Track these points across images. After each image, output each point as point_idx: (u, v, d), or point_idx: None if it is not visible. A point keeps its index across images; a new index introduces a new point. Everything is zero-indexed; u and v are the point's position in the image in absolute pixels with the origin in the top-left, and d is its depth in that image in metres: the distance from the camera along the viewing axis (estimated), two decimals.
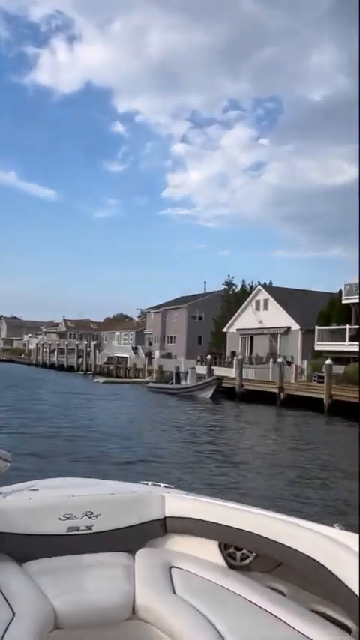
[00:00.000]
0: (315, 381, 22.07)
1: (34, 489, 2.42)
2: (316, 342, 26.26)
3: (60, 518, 2.25)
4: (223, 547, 2.27)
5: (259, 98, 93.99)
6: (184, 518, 2.35)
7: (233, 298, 41.06)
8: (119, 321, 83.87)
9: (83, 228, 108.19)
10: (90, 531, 2.28)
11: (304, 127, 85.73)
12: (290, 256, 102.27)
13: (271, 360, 27.57)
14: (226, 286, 41.37)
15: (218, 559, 2.25)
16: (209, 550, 2.27)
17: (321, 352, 26.27)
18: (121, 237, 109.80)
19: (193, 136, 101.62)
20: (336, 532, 1.90)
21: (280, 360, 28.16)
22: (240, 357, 24.84)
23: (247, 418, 17.91)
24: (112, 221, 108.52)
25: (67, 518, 2.26)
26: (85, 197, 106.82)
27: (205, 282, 53.52)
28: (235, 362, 26.44)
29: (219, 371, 26.57)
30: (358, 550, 1.75)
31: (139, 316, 70.70)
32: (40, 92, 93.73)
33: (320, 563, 1.83)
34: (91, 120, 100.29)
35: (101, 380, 32.02)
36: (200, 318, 49.91)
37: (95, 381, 32.33)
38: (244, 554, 2.27)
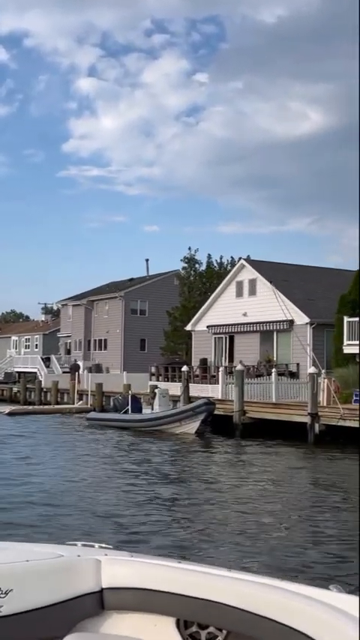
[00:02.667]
0: (358, 401, 19.13)
1: None
2: (345, 341, 23.44)
3: None
4: (183, 625, 2.34)
5: (192, 18, 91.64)
6: (128, 589, 2.37)
7: (198, 281, 37.79)
8: (9, 323, 78.78)
9: None
10: None
11: (254, 59, 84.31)
12: (242, 232, 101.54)
13: (274, 371, 24.49)
14: (185, 264, 37.98)
15: None
16: (163, 630, 2.33)
17: (346, 356, 23.62)
18: (5, 207, 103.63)
19: (105, 69, 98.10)
20: (333, 596, 1.94)
21: (283, 368, 25.27)
22: (239, 366, 21.42)
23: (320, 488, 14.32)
24: None
25: None
26: None
27: (147, 260, 49.97)
28: (229, 373, 23.10)
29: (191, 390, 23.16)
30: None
31: (46, 313, 65.94)
32: None
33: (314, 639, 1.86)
34: None
35: (5, 409, 27.47)
36: (143, 313, 46.35)
37: None
38: (212, 633, 2.32)
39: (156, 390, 22.15)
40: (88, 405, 28.96)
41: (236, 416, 20.12)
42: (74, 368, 33.38)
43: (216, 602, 2.17)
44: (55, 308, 70.66)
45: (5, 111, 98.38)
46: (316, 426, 17.72)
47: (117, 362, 44.95)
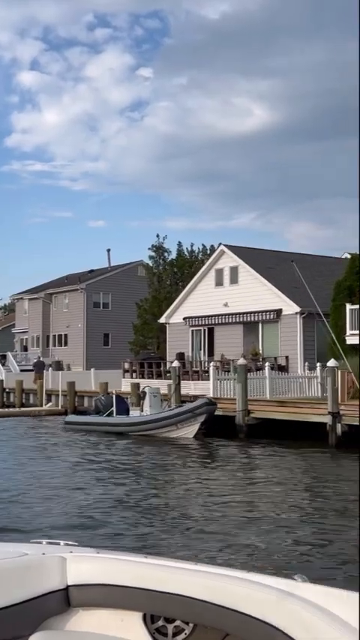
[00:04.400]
0: None
1: None
2: (348, 331, 21.50)
3: None
4: (149, 620, 2.33)
5: (136, 13, 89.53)
6: (94, 585, 2.35)
7: (169, 271, 35.38)
8: None
9: None
10: None
11: (199, 55, 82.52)
12: (188, 227, 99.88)
13: (268, 364, 22.37)
14: (153, 253, 35.47)
15: (143, 637, 2.29)
16: (130, 625, 2.32)
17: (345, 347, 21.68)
18: None
19: (47, 62, 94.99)
20: (298, 586, 1.92)
21: (266, 362, 23.21)
22: (241, 360, 19.13)
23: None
24: None
25: None
26: None
27: (109, 250, 47.12)
28: (234, 369, 20.89)
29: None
30: (327, 608, 1.79)
31: None
32: None
33: (281, 631, 1.86)
34: None
35: None
36: (106, 306, 43.70)
37: None
38: (178, 626, 2.32)
39: (146, 389, 19.61)
40: (59, 407, 26.17)
41: (239, 416, 17.85)
42: (39, 365, 30.41)
43: (182, 595, 2.16)
44: (4, 304, 67.33)
45: None
46: (339, 426, 15.62)
47: (79, 359, 42.18)
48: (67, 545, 2.58)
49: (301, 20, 77.62)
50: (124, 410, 19.88)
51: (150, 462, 14.78)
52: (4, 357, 43.35)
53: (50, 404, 26.88)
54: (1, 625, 2.23)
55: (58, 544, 2.60)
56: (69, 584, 2.38)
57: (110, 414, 19.86)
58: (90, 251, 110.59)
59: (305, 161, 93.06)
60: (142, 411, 19.23)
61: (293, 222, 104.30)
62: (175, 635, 2.31)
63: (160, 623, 2.32)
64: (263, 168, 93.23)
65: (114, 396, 20.33)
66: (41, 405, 26.83)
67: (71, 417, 21.65)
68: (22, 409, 26.36)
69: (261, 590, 1.98)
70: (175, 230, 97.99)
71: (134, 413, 19.59)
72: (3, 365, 41.41)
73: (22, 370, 38.96)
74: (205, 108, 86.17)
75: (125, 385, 26.13)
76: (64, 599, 2.38)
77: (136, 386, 22.83)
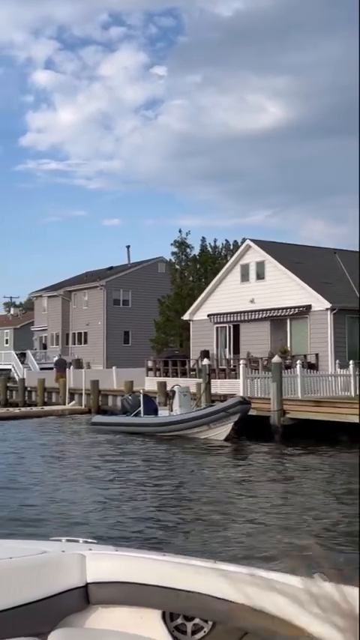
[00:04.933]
0: None
1: None
2: None
3: None
4: (169, 618, 2.33)
5: (150, 11, 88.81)
6: (113, 583, 2.35)
7: (192, 267, 34.65)
8: None
9: None
10: None
11: (213, 52, 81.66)
12: (203, 224, 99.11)
13: (299, 362, 21.56)
14: (175, 249, 34.74)
15: (162, 635, 2.29)
16: (149, 623, 2.31)
17: None
18: None
19: (62, 62, 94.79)
20: (318, 585, 1.84)
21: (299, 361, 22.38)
22: (275, 358, 18.35)
23: None
24: None
25: None
26: None
27: (128, 246, 46.47)
28: (263, 367, 20.13)
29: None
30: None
31: (15, 305, 61.89)
32: None
33: (301, 630, 1.86)
34: None
35: None
36: (126, 303, 43.05)
37: None
38: (197, 624, 2.32)
39: (175, 388, 18.89)
40: (82, 406, 25.55)
41: (275, 416, 17.08)
42: (61, 364, 29.83)
43: (201, 593, 2.15)
44: (18, 303, 67.02)
45: None
46: None
47: (99, 357, 41.59)
48: (87, 542, 2.57)
49: (314, 16, 76.67)
50: (152, 410, 19.18)
51: (183, 464, 14.07)
52: (24, 355, 42.92)
53: (73, 403, 26.27)
54: (21, 622, 2.24)
55: (77, 542, 2.59)
56: (88, 581, 2.39)
57: (137, 414, 19.18)
58: (105, 249, 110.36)
59: (320, 157, 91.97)
60: (171, 410, 18.51)
61: (309, 220, 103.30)
62: (194, 632, 2.31)
63: (179, 620, 2.32)
64: (278, 165, 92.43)
65: (141, 396, 19.64)
66: (64, 404, 26.23)
67: (98, 417, 20.98)
68: (46, 408, 25.75)
69: (281, 589, 1.96)
70: (189, 228, 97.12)
71: (163, 413, 18.88)
72: (22, 363, 41.01)
73: (41, 368, 38.49)
74: (219, 105, 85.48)
75: (149, 384, 25.48)
76: (84, 597, 2.38)
77: (162, 385, 22.14)
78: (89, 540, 2.62)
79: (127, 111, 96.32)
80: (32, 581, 2.31)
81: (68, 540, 2.62)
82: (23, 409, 25.65)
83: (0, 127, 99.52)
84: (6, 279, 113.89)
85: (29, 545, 2.58)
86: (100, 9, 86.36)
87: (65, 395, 26.51)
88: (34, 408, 25.89)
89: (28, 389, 29.21)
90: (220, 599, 2.11)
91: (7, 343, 53.71)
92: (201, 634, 2.30)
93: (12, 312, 60.04)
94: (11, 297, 69.89)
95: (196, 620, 2.30)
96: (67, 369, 29.47)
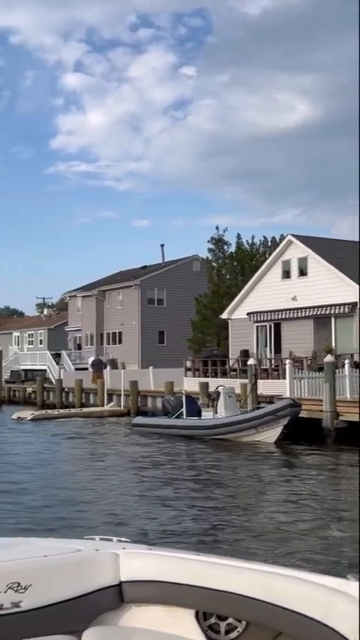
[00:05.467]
0: None
1: None
2: None
3: None
4: (202, 617, 2.32)
5: (179, 12, 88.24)
6: (147, 581, 2.35)
7: (229, 264, 33.88)
8: (7, 319, 74.84)
9: None
10: (18, 609, 2.24)
11: (241, 52, 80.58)
12: (232, 224, 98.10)
13: (347, 361, 20.62)
14: (212, 246, 33.98)
15: (195, 634, 2.29)
16: (183, 622, 2.31)
17: None
18: None
19: (91, 64, 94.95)
20: (350, 585, 1.92)
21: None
22: (328, 357, 17.50)
23: None
24: None
25: None
26: None
27: (162, 245, 45.87)
28: (308, 367, 19.35)
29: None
30: None
31: (48, 306, 61.83)
32: None
33: (334, 630, 1.86)
34: None
35: (27, 415, 23.45)
36: (160, 302, 42.45)
37: (16, 417, 23.68)
38: (231, 624, 2.32)
39: (219, 389, 18.14)
40: (121, 407, 24.97)
41: (327, 419, 16.24)
42: (97, 364, 29.33)
43: (235, 593, 2.15)
44: (52, 303, 67.01)
45: None
46: None
47: (134, 357, 41.01)
48: (120, 541, 2.56)
49: (341, 13, 75.16)
50: (195, 411, 18.46)
51: (230, 468, 13.35)
52: (59, 355, 42.65)
53: (112, 404, 25.70)
54: (57, 620, 2.25)
55: (111, 540, 2.58)
56: (122, 580, 2.38)
57: (180, 416, 18.49)
58: (135, 250, 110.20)
59: (349, 155, 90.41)
60: (215, 412, 17.78)
61: (338, 218, 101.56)
62: (227, 632, 2.32)
63: (213, 620, 2.33)
64: (307, 163, 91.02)
65: (183, 397, 18.94)
66: (102, 406, 25.68)
67: (139, 419, 20.37)
68: (84, 410, 25.24)
69: (314, 589, 1.95)
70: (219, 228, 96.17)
71: (207, 414, 18.16)
72: (57, 363, 40.74)
73: (76, 369, 38.13)
74: (247, 105, 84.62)
75: (188, 384, 24.79)
76: (117, 595, 2.37)
77: (205, 385, 21.43)
78: (123, 539, 2.60)
79: (156, 112, 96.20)
80: (67, 579, 2.32)
81: (102, 539, 2.61)
82: (62, 411, 25.16)
83: (31, 131, 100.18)
84: (38, 281, 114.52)
85: (63, 543, 2.58)
86: (128, 11, 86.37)
87: (104, 396, 25.96)
88: (73, 410, 25.39)
89: (66, 390, 28.75)
90: (254, 598, 2.09)
91: (41, 344, 53.57)
92: (235, 634, 2.31)
93: (45, 312, 59.95)
94: (44, 298, 70.10)
95: (230, 620, 2.30)
96: (104, 370, 28.97)
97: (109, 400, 26.06)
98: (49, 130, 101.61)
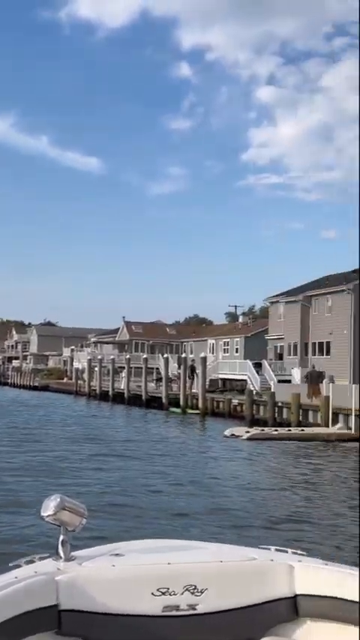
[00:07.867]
0: None
1: (117, 554, 2.37)
2: None
3: (153, 594, 2.22)
4: None
5: None
6: (323, 597, 2.26)
7: None
8: (201, 326, 73.79)
9: (136, 208, 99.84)
10: (194, 612, 2.23)
11: None
12: None
13: None
14: None
15: None
16: None
17: None
18: (186, 218, 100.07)
19: (284, 76, 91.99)
20: None
21: None
22: None
23: None
24: (175, 198, 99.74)
25: (163, 593, 2.23)
26: (139, 166, 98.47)
27: None
28: None
29: None
30: None
31: (244, 313, 59.30)
32: (79, 29, 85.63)
33: None
34: (147, 62, 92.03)
35: (243, 433, 20.32)
36: None
37: (229, 433, 20.69)
38: None
39: None
40: (352, 431, 20.84)
41: None
42: (314, 376, 25.49)
43: None
44: (245, 312, 64.50)
45: (187, 124, 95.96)
46: None
47: (344, 370, 36.45)
48: (295, 554, 2.47)
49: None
50: None
51: None
52: (259, 365, 39.56)
53: (339, 425, 21.66)
54: (232, 626, 2.26)
55: (286, 552, 2.51)
56: (297, 593, 2.32)
57: None
58: (324, 260, 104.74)
59: None
60: None
61: None
62: None
63: None
64: None
65: None
66: (327, 426, 21.76)
67: None
68: (307, 431, 21.51)
69: None
70: None
71: None
72: (259, 374, 37.71)
73: (279, 381, 34.83)
74: None
75: None
76: (292, 608, 2.31)
77: None
78: (298, 552, 2.46)
79: (348, 120, 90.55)
80: (242, 586, 2.28)
81: (277, 550, 2.51)
82: (281, 430, 21.62)
83: (224, 145, 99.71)
84: (228, 289, 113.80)
85: (238, 550, 2.54)
86: (323, 21, 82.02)
87: (328, 415, 22.00)
88: (293, 430, 21.78)
89: (279, 404, 25.25)
90: None
91: (237, 352, 51.00)
92: None
93: (241, 320, 57.45)
94: (235, 306, 67.82)
95: None
96: (320, 383, 25.08)
97: (334, 421, 22.03)
98: (241, 144, 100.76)
